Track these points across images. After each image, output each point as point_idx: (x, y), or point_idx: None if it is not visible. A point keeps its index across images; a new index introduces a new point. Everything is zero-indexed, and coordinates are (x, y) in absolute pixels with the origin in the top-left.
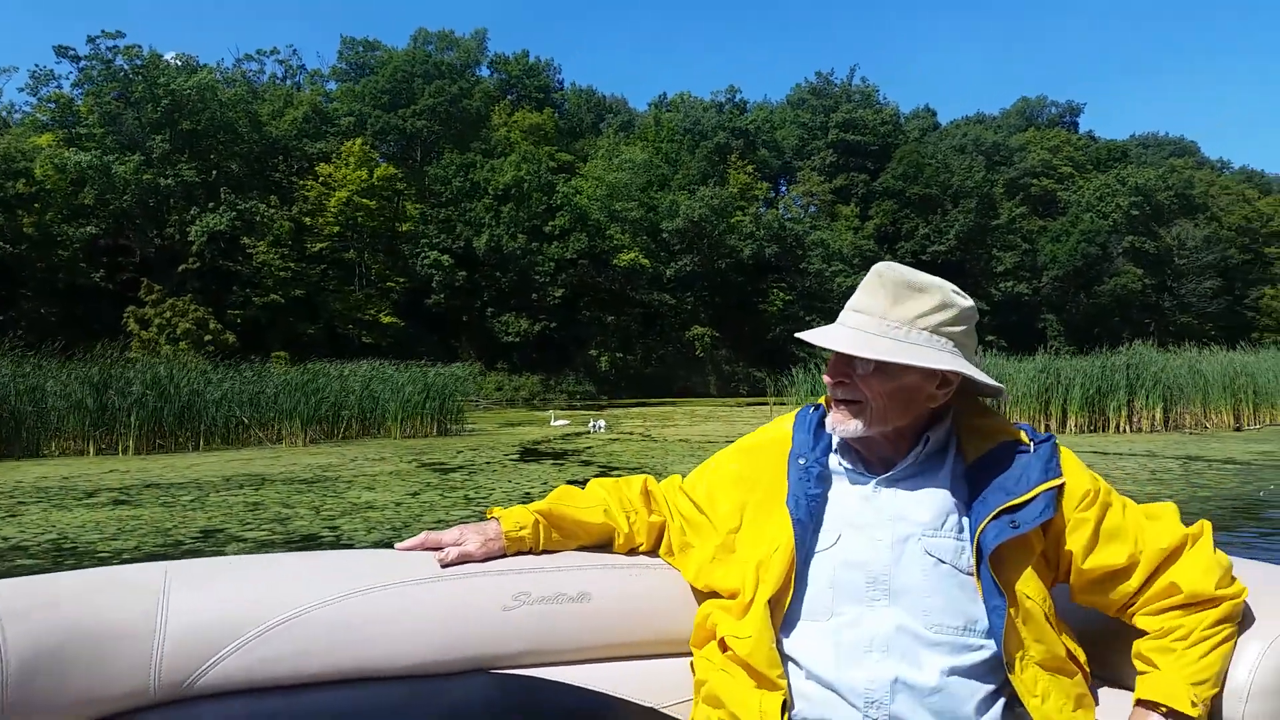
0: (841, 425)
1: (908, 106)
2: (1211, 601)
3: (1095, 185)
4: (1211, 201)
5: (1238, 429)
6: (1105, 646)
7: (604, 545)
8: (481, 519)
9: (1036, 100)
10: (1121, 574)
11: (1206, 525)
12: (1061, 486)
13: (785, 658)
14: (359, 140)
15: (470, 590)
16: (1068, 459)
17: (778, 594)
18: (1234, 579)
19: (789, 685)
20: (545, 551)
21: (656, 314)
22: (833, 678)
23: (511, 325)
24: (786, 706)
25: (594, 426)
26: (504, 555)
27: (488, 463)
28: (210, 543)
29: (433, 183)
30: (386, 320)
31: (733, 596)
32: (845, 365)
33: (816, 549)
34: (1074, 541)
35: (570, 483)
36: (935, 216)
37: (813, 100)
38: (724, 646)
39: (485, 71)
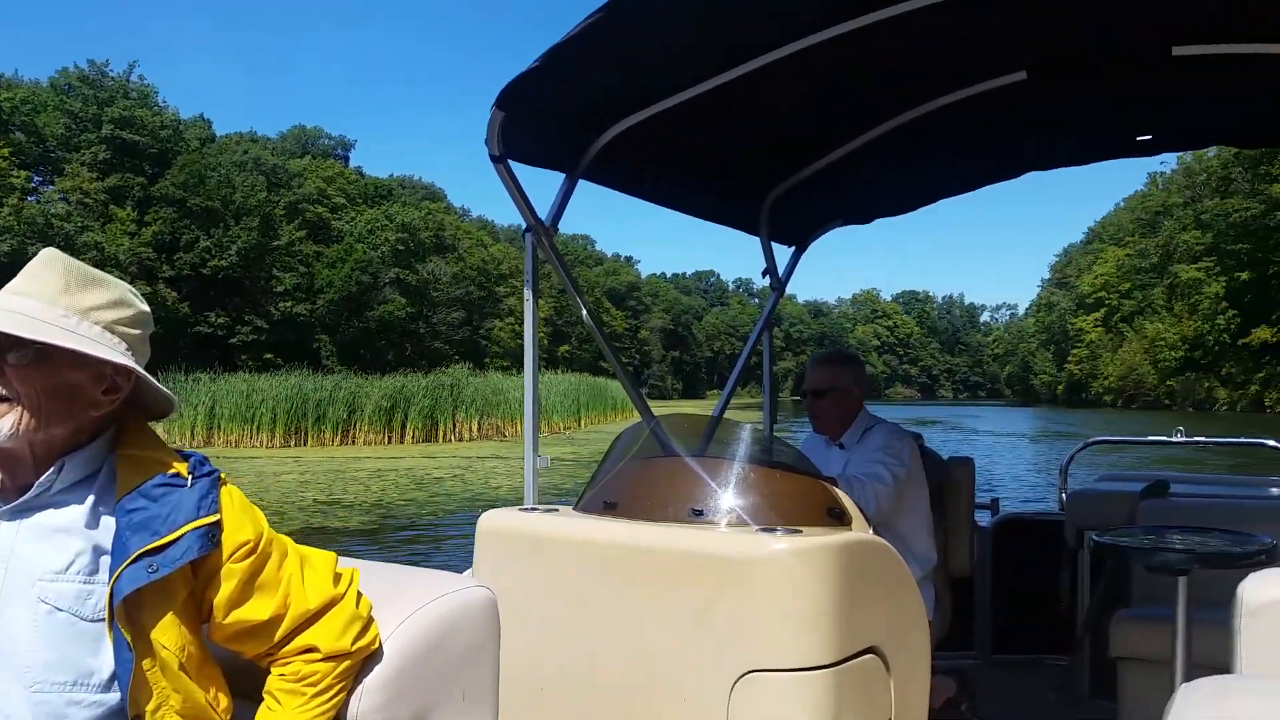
0: None
1: (186, 113)
2: (348, 655)
3: (366, 218)
4: (458, 243)
5: None
6: None
7: None
8: None
9: (312, 130)
10: (263, 629)
11: (355, 576)
12: (215, 525)
13: None
14: None
15: None
16: (231, 499)
17: None
18: (371, 624)
19: None
20: None
21: None
22: None
23: None
24: None
25: None
26: None
27: None
28: None
29: None
30: None
31: None
32: None
33: None
34: (222, 592)
35: None
36: (218, 231)
37: (84, 89)
38: None
39: None
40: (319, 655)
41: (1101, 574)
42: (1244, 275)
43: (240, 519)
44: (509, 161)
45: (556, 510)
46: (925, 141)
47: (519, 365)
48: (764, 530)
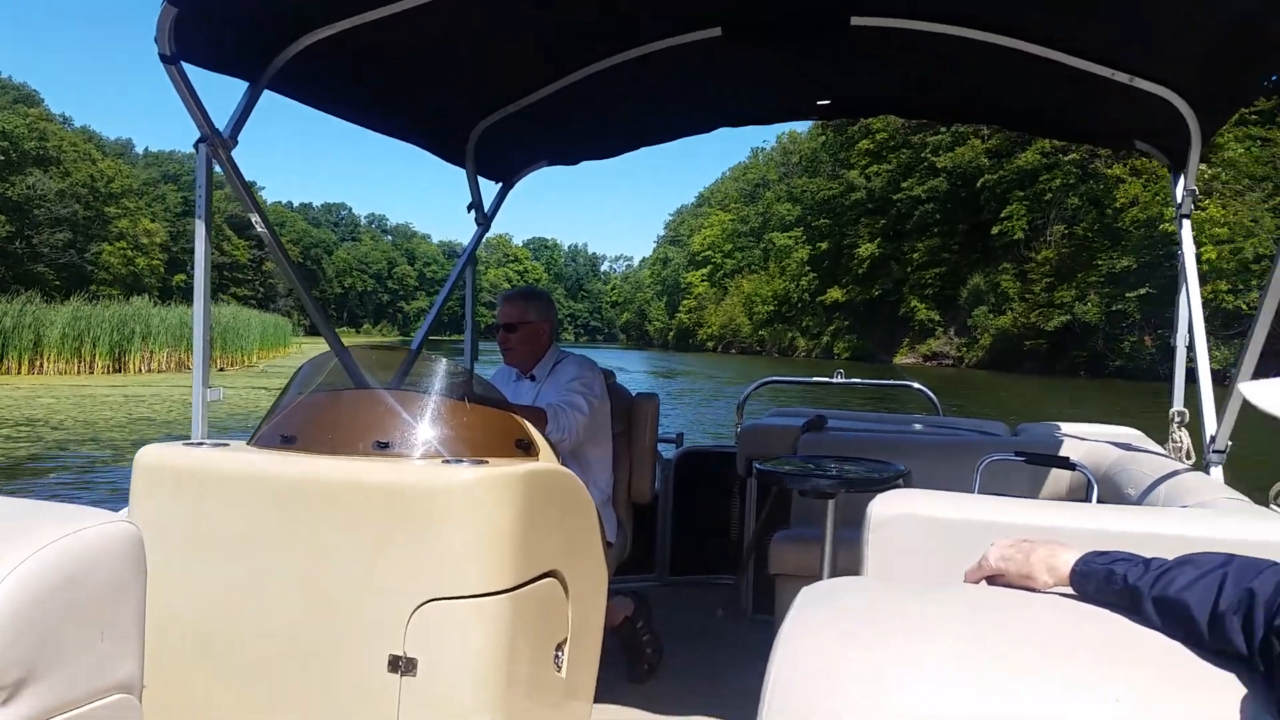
0: None
1: None
2: None
3: None
4: (63, 156)
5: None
6: None
7: None
8: None
9: None
10: None
11: None
12: None
13: None
14: None
15: None
16: None
17: None
18: None
19: None
20: None
21: None
22: None
23: None
24: None
25: None
26: None
27: None
28: None
29: None
30: None
31: None
32: None
33: None
34: None
35: None
36: None
37: None
38: None
39: None
40: None
41: (766, 500)
42: (824, 245)
43: None
44: (183, 64)
45: (227, 445)
46: (629, 89)
47: (132, 292)
48: (450, 461)
